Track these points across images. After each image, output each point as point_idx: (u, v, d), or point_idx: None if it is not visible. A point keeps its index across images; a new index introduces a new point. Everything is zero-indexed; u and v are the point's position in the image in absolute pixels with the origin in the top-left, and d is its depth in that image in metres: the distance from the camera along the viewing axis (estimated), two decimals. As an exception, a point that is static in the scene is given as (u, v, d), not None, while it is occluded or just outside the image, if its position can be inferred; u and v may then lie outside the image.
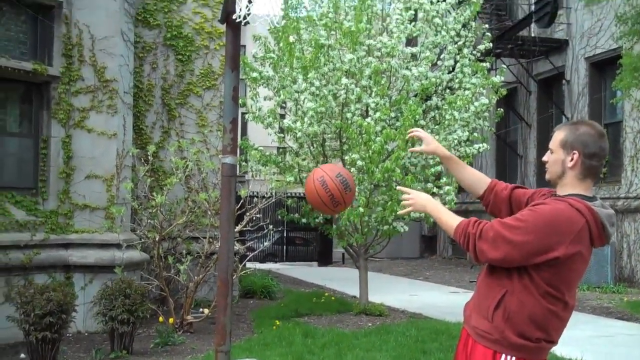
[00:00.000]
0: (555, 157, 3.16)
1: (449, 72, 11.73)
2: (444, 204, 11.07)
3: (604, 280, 15.35)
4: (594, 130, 3.12)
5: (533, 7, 18.26)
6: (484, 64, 11.89)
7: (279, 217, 13.41)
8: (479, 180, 3.57)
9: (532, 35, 19.07)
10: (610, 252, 15.53)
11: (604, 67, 17.34)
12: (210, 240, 10.09)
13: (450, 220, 3.22)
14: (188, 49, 12.12)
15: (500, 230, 3.00)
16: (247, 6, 5.41)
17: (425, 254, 26.61)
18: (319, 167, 4.72)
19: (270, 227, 11.07)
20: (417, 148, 3.83)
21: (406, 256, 25.49)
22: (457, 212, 3.43)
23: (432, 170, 11.14)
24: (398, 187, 3.89)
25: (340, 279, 17.19)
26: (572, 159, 3.10)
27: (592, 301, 13.38)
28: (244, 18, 5.47)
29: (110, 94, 10.40)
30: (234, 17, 5.53)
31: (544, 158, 3.25)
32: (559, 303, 3.05)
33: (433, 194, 11.36)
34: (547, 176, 3.23)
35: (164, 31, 12.05)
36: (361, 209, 10.45)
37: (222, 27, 8.13)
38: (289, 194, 17.09)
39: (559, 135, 3.18)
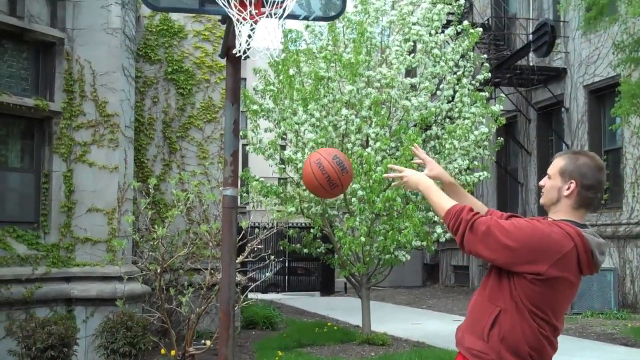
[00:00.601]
0: (553, 183, 3.21)
1: (449, 102, 11.81)
2: (445, 232, 11.08)
3: (607, 306, 15.30)
4: (593, 163, 3.17)
5: (531, 37, 18.40)
6: (483, 94, 11.98)
7: (281, 247, 13.41)
8: (479, 209, 3.60)
9: (531, 64, 19.20)
10: (613, 278, 15.50)
11: (603, 94, 17.43)
12: (212, 271, 10.08)
13: (443, 202, 3.26)
14: (189, 82, 12.22)
15: (493, 228, 3.04)
16: (247, 41, 5.49)
17: (427, 282, 26.53)
18: (315, 151, 4.75)
19: (272, 257, 11.06)
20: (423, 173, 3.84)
21: (409, 285, 25.42)
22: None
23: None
24: (389, 165, 3.86)
25: (342, 309, 17.14)
26: (569, 188, 3.15)
27: (596, 327, 13.33)
28: (244, 52, 5.55)
29: (111, 128, 10.47)
30: (234, 51, 5.61)
31: (541, 182, 3.30)
32: (547, 325, 3.08)
33: (434, 223, 11.38)
34: (542, 200, 3.28)
35: (165, 66, 12.16)
36: (362, 239, 10.46)
37: (223, 61, 8.21)
38: (290, 225, 17.09)
39: (559, 162, 3.22)
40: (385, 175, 3.85)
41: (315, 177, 4.56)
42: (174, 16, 12.13)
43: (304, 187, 11.85)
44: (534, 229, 3.03)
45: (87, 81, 10.45)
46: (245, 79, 28.36)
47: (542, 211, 3.36)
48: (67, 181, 10.25)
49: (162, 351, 9.35)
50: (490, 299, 3.14)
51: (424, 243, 11.07)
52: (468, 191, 11.17)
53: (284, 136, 12.36)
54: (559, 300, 3.09)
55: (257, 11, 5.44)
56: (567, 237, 3.02)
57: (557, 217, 3.17)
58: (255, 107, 11.59)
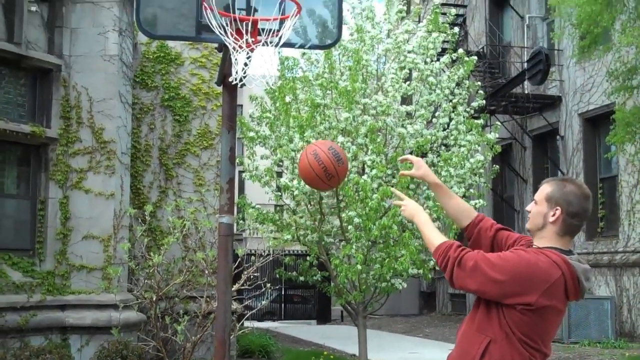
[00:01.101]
0: (539, 209, 3.24)
1: (444, 130, 11.84)
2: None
3: (604, 335, 15.23)
4: (580, 191, 3.21)
5: (526, 65, 18.52)
6: (479, 121, 12.02)
7: (277, 275, 13.36)
8: (465, 211, 3.63)
9: (526, 92, 19.30)
10: (610, 307, 15.45)
11: (598, 122, 17.50)
12: (208, 299, 10.04)
13: (433, 238, 3.28)
14: (185, 109, 12.25)
15: (480, 263, 3.06)
16: (243, 69, 5.52)
17: (424, 310, 26.43)
18: (311, 143, 4.80)
19: (268, 285, 11.02)
20: (407, 172, 3.87)
21: (405, 313, 25.31)
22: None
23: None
24: (392, 189, 3.92)
25: (339, 337, 17.04)
26: (554, 215, 3.18)
27: (594, 357, 13.26)
28: (240, 80, 5.58)
29: (108, 155, 10.47)
30: (230, 79, 5.64)
31: (527, 208, 3.34)
32: (537, 353, 3.10)
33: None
34: (528, 225, 3.32)
35: (162, 92, 12.19)
36: (359, 266, 10.42)
37: (219, 88, 8.24)
38: (286, 252, 17.05)
39: (545, 188, 3.26)
40: (391, 200, 3.95)
41: (311, 167, 4.61)
42: (170, 43, 12.19)
43: (301, 215, 11.87)
44: (520, 260, 3.05)
45: (84, 108, 10.47)
46: (241, 106, 28.44)
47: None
48: (63, 208, 10.24)
49: (157, 380, 9.28)
50: (479, 329, 3.15)
51: (421, 271, 11.03)
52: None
53: (280, 163, 12.37)
54: (548, 328, 3.12)
55: (253, 39, 5.48)
56: (554, 266, 3.05)
57: (542, 244, 3.20)
58: (251, 134, 11.61)
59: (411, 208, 3.51)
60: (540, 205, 3.23)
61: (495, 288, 3.04)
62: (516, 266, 3.02)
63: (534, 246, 3.21)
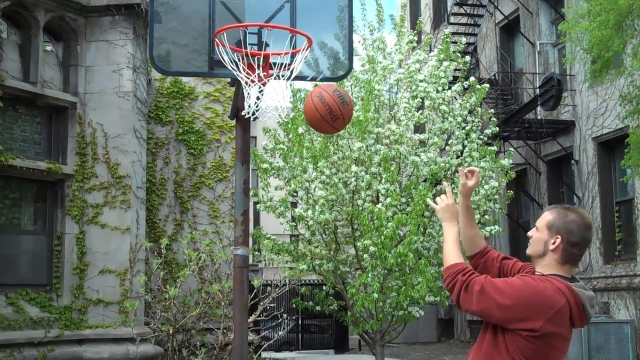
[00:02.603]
0: (540, 236, 3.26)
1: (458, 157, 11.85)
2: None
3: (625, 359, 15.07)
4: (581, 220, 3.22)
5: (538, 91, 18.54)
6: (492, 148, 12.03)
7: (293, 305, 13.34)
8: (478, 241, 3.65)
9: (539, 117, 19.29)
10: (630, 331, 15.29)
11: (612, 146, 17.45)
12: (225, 331, 10.05)
13: (451, 255, 3.31)
14: (200, 143, 12.35)
15: (487, 287, 3.09)
16: (255, 102, 5.58)
17: (442, 337, 26.23)
18: (316, 87, 4.84)
19: (285, 315, 11.01)
20: (466, 181, 3.66)
21: (423, 341, 25.13)
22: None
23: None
24: (445, 184, 3.76)
25: (357, 367, 16.93)
26: (554, 243, 3.20)
27: (615, 383, 13.11)
28: (253, 113, 5.64)
29: (123, 189, 10.57)
30: (243, 113, 5.70)
31: (529, 233, 3.35)
32: None
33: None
34: (528, 251, 3.33)
35: (176, 127, 12.31)
36: (375, 295, 10.40)
37: (233, 121, 8.33)
38: (302, 282, 17.02)
39: (547, 216, 3.28)
40: (445, 183, 3.87)
41: (316, 108, 4.65)
42: (184, 78, 12.33)
43: (316, 244, 11.88)
44: (526, 285, 3.07)
45: (99, 144, 10.59)
46: (255, 138, 28.58)
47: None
48: (79, 243, 10.31)
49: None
50: (487, 356, 3.16)
51: (438, 298, 11.00)
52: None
53: (295, 194, 12.41)
54: (554, 356, 3.12)
55: (265, 74, 5.55)
56: (559, 293, 3.07)
57: (544, 271, 3.21)
58: (265, 165, 11.67)
59: (449, 213, 3.49)
60: (541, 232, 3.25)
61: (501, 312, 3.06)
62: (522, 292, 3.05)
63: (537, 273, 3.23)
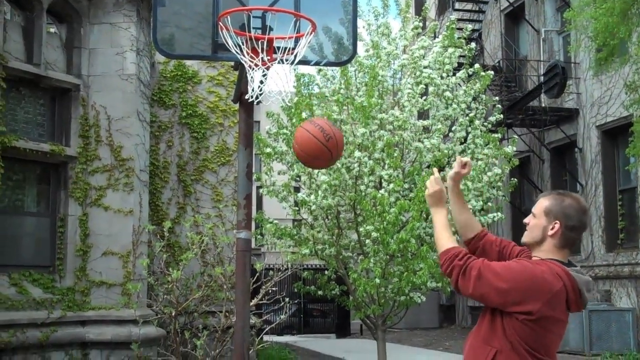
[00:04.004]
0: (537, 222, 3.29)
1: (461, 144, 11.85)
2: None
3: (626, 347, 15.11)
4: (578, 205, 3.26)
5: (542, 78, 18.49)
6: (496, 135, 12.02)
7: (296, 289, 13.38)
8: (472, 225, 3.67)
9: (543, 105, 19.25)
10: (631, 319, 15.33)
11: (616, 134, 17.43)
12: (227, 314, 10.09)
13: (443, 240, 3.33)
14: (203, 126, 12.36)
15: (484, 271, 3.12)
16: (259, 86, 5.58)
17: (444, 323, 26.31)
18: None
19: (287, 299, 11.05)
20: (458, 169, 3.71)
21: (425, 326, 25.21)
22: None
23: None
24: (434, 171, 3.75)
25: (358, 351, 17.02)
26: (553, 228, 3.23)
27: (615, 370, 13.16)
28: (257, 97, 5.64)
29: (126, 172, 10.58)
30: (246, 96, 5.70)
31: (525, 220, 3.37)
32: None
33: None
34: (525, 238, 3.36)
35: (179, 110, 12.31)
36: (377, 280, 10.44)
37: (236, 105, 8.33)
38: (304, 266, 17.07)
39: (544, 202, 3.31)
40: (434, 169, 3.89)
41: (307, 130, 4.79)
42: (188, 62, 12.32)
43: (318, 229, 11.90)
44: (523, 269, 3.11)
45: (103, 126, 10.60)
46: (258, 122, 28.58)
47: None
48: (82, 225, 10.35)
49: (177, 395, 9.32)
50: (485, 340, 3.19)
51: (439, 284, 11.02)
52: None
53: (298, 178, 12.42)
54: (551, 339, 3.16)
55: (269, 57, 5.54)
56: (556, 277, 3.10)
57: (543, 257, 3.24)
58: (268, 150, 11.67)
59: (437, 198, 3.52)
60: (539, 219, 3.28)
61: (498, 296, 3.09)
62: (519, 275, 3.08)
63: (534, 257, 3.25)
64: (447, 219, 3.45)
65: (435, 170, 3.81)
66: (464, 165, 3.66)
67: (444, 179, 3.70)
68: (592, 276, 16.57)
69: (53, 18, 10.88)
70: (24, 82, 10.18)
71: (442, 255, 3.27)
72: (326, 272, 12.16)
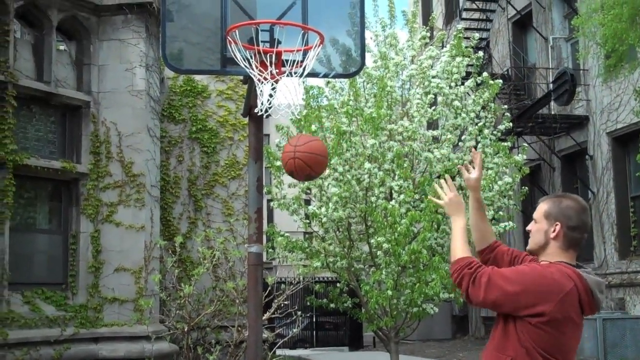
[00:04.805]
0: (539, 226, 3.28)
1: (471, 153, 11.81)
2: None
3: (642, 356, 14.99)
4: (577, 204, 3.26)
5: (551, 86, 18.45)
6: (505, 144, 11.98)
7: (308, 302, 13.35)
8: (488, 235, 3.66)
9: (552, 112, 19.20)
10: (646, 326, 15.21)
11: (627, 141, 17.35)
12: (239, 328, 10.07)
13: (458, 249, 3.31)
14: (213, 141, 12.38)
15: (494, 277, 3.11)
16: (268, 99, 5.59)
17: (457, 334, 26.18)
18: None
19: (299, 313, 11.02)
20: (466, 172, 3.69)
21: (438, 337, 25.08)
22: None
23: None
24: (443, 181, 3.69)
25: (371, 364, 16.93)
26: (554, 230, 3.22)
27: (631, 379, 13.04)
28: (266, 111, 5.64)
29: (137, 188, 10.60)
30: (256, 110, 5.70)
31: (528, 227, 3.36)
32: None
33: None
34: (529, 246, 3.34)
35: (189, 125, 12.35)
36: (389, 292, 10.40)
37: (246, 119, 8.35)
38: (316, 279, 17.03)
39: (543, 206, 3.31)
40: (435, 183, 3.86)
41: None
42: (197, 77, 12.36)
43: (330, 242, 11.87)
44: (533, 271, 3.10)
45: (113, 142, 10.63)
46: (268, 135, 28.61)
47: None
48: (94, 241, 10.36)
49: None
50: (498, 349, 3.17)
51: (452, 295, 10.97)
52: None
53: (308, 191, 12.42)
54: (567, 343, 3.12)
55: (277, 71, 5.54)
56: (566, 277, 3.08)
57: (550, 260, 3.22)
58: (278, 163, 11.67)
59: (455, 206, 3.50)
60: (540, 223, 3.27)
61: (510, 300, 3.07)
62: (529, 277, 3.07)
63: (542, 262, 3.23)
64: (465, 227, 3.43)
65: (447, 176, 3.77)
66: (470, 166, 3.65)
67: (460, 188, 3.69)
68: (606, 284, 16.48)
69: (62, 35, 10.94)
70: (34, 99, 10.23)
71: (453, 265, 3.26)
72: (338, 284, 12.12)
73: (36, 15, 10.41)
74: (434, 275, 10.19)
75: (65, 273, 10.32)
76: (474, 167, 3.69)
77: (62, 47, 11.00)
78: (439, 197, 3.63)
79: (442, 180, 3.71)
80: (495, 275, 3.11)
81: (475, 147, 11.87)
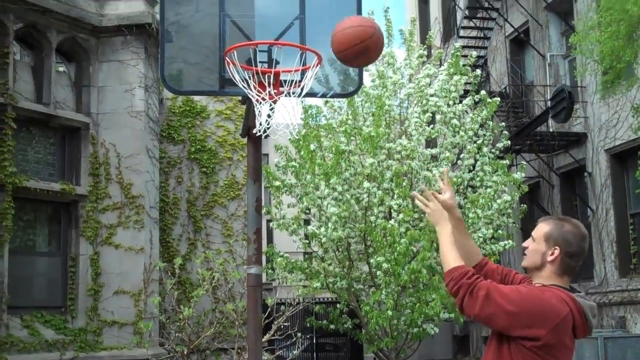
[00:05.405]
0: (537, 247, 3.23)
1: (470, 171, 11.82)
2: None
3: (645, 374, 14.89)
4: (578, 231, 3.21)
5: (549, 103, 18.47)
6: (504, 162, 11.99)
7: (308, 324, 13.29)
8: (474, 253, 3.60)
9: (550, 130, 19.20)
10: (649, 345, 15.12)
11: (625, 158, 17.33)
12: (239, 351, 10.01)
13: (450, 257, 3.25)
14: (212, 161, 12.37)
15: (493, 293, 3.06)
16: (266, 120, 5.58)
17: (458, 354, 26.04)
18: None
19: (299, 334, 10.95)
20: (433, 192, 3.51)
21: (439, 358, 24.95)
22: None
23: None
24: (423, 191, 3.55)
25: (373, 385, 16.82)
26: (552, 254, 3.18)
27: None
28: (265, 131, 5.63)
29: (136, 209, 10.58)
30: (254, 131, 5.69)
31: (524, 244, 3.31)
32: None
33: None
34: (524, 263, 3.29)
35: (188, 145, 12.34)
36: (389, 312, 10.35)
37: (245, 139, 8.34)
38: (316, 300, 16.95)
39: (544, 227, 3.26)
40: (412, 193, 3.81)
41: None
42: (196, 97, 12.37)
43: (329, 262, 11.82)
44: (531, 293, 3.07)
45: (112, 164, 10.62)
46: (267, 155, 28.60)
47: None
48: (93, 264, 10.32)
49: None
50: None
51: (452, 315, 10.92)
52: (494, 260, 11.08)
53: (307, 211, 12.39)
54: None
55: (275, 91, 5.54)
56: (562, 302, 3.06)
57: (545, 283, 3.19)
58: (277, 183, 11.66)
59: (437, 216, 3.40)
60: (538, 244, 3.23)
61: (506, 318, 3.03)
62: (528, 298, 3.03)
63: (537, 284, 3.20)
64: (452, 235, 3.36)
65: (424, 187, 3.70)
66: (437, 192, 3.51)
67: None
68: (607, 302, 16.43)
69: (62, 57, 10.96)
70: (33, 121, 10.24)
71: (447, 274, 3.19)
72: (338, 305, 12.07)
73: (36, 37, 10.44)
74: (434, 295, 10.15)
75: (65, 296, 10.27)
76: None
77: (61, 69, 11.02)
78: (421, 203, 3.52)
79: (417, 192, 3.64)
80: (494, 290, 3.07)
81: (474, 166, 11.87)
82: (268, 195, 20.23)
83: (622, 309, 16.61)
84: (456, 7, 22.93)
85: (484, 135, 12.09)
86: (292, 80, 5.71)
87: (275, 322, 10.24)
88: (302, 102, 11.73)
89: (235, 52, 5.54)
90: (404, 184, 11.13)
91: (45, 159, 10.45)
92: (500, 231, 11.73)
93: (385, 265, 10.41)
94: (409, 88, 12.20)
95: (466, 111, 12.26)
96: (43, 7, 10.23)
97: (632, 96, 15.07)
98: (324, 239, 11.10)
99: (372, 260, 10.95)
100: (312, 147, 11.27)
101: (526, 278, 3.39)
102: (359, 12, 6.40)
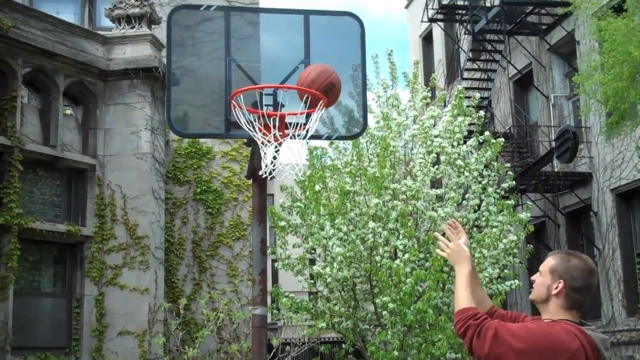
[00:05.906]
0: (542, 280, 3.24)
1: (475, 211, 11.82)
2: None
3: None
4: (584, 265, 3.20)
5: (554, 144, 18.53)
6: (509, 202, 11.99)
7: (313, 365, 13.19)
8: (484, 302, 3.61)
9: (555, 170, 19.24)
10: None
11: (631, 197, 17.35)
12: (244, 392, 9.94)
13: (461, 298, 3.27)
14: (217, 202, 12.42)
15: (501, 331, 3.05)
16: (272, 162, 5.62)
17: (466, 396, 25.74)
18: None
19: (305, 375, 10.88)
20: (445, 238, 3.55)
21: (446, 399, 24.65)
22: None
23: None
24: (445, 227, 3.57)
25: None
26: (557, 287, 3.17)
27: None
28: (270, 173, 5.68)
29: (142, 250, 10.61)
30: (260, 172, 5.74)
31: (532, 277, 3.32)
32: None
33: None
34: (531, 296, 3.30)
35: (194, 186, 12.41)
36: (396, 352, 10.28)
37: (250, 180, 8.39)
38: (322, 340, 16.85)
39: (550, 260, 3.27)
40: (434, 234, 3.81)
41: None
42: (202, 139, 12.46)
43: (335, 302, 11.80)
44: (540, 329, 3.05)
45: (118, 205, 10.68)
46: (272, 195, 28.64)
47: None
48: (98, 305, 10.32)
49: None
50: None
51: (459, 355, 10.84)
52: (500, 300, 11.05)
53: (313, 251, 12.39)
54: None
55: (281, 134, 5.60)
56: (572, 336, 3.03)
57: (553, 317, 3.17)
58: (282, 223, 11.68)
59: (459, 254, 3.43)
60: (544, 277, 3.24)
61: (516, 357, 3.00)
62: (536, 335, 3.02)
63: (545, 320, 3.20)
64: (469, 275, 3.37)
65: (446, 227, 3.71)
66: (446, 244, 3.52)
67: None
68: (614, 342, 16.30)
69: (69, 100, 11.09)
70: (40, 163, 10.32)
71: (457, 315, 3.20)
72: (343, 345, 12.00)
73: (43, 81, 10.58)
74: (441, 335, 10.09)
75: (69, 337, 10.25)
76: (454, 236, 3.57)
77: (68, 112, 11.14)
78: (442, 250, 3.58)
79: (439, 234, 3.67)
80: (502, 329, 3.06)
81: (479, 206, 11.88)
82: (273, 235, 20.26)
83: (630, 349, 16.47)
84: (460, 49, 23.13)
85: (489, 175, 12.12)
86: (298, 123, 5.76)
87: (281, 364, 10.18)
88: (307, 143, 11.84)
89: (241, 95, 5.61)
90: (409, 224, 11.14)
91: (51, 200, 10.51)
92: (506, 271, 11.69)
93: (391, 305, 10.38)
94: (413, 129, 12.26)
95: (471, 152, 12.30)
96: (51, 52, 10.38)
97: (637, 136, 15.13)
98: (329, 279, 11.08)
99: (377, 300, 10.92)
100: (317, 187, 11.31)
101: (536, 318, 3.39)
102: (363, 55, 6.49)
